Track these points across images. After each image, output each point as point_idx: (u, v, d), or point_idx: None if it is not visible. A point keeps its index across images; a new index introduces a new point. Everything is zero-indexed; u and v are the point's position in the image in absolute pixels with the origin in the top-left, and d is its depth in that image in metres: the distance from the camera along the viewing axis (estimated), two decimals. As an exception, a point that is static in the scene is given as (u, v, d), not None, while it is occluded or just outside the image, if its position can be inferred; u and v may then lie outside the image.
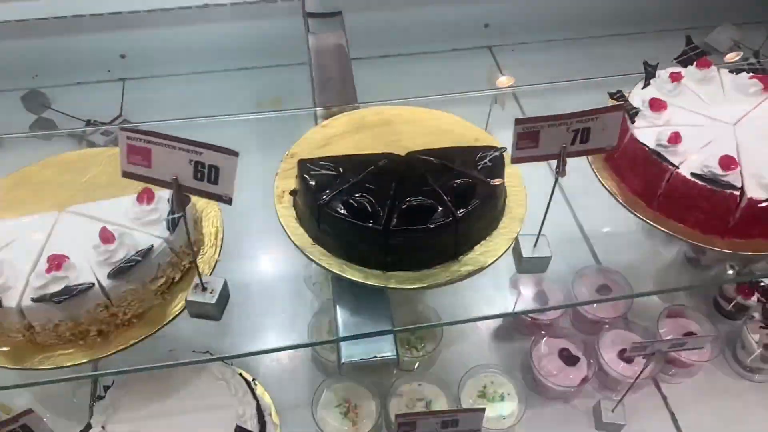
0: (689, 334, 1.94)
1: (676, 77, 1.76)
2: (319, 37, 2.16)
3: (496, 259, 1.53)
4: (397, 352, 1.47)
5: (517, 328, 2.04)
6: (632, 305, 2.02)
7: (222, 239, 1.55)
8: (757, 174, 1.54)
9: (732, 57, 2.97)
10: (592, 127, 1.20)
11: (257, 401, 1.76)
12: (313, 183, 1.51)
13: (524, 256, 1.45)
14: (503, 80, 2.74)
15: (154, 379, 1.73)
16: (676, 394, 1.96)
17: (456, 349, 2.03)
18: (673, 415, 1.91)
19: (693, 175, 1.55)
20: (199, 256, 1.50)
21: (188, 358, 1.77)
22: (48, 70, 2.71)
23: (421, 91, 2.36)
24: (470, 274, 1.50)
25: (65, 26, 2.57)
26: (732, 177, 1.53)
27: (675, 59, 1.86)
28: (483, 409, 1.38)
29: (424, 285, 1.47)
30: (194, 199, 1.59)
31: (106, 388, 1.72)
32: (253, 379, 1.86)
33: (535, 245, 1.47)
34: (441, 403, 1.77)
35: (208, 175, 1.09)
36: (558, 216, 2.27)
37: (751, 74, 1.79)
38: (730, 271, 2.05)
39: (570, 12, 2.99)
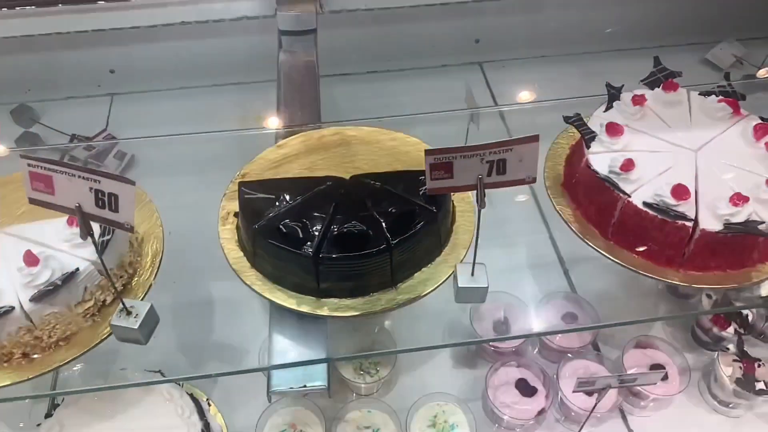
0: (657, 366, 1.86)
1: (638, 100, 1.69)
2: (288, 55, 2.15)
3: (435, 288, 1.49)
4: (328, 382, 1.44)
5: (481, 354, 1.99)
6: (599, 334, 1.96)
7: (161, 261, 1.54)
8: (712, 204, 1.46)
9: (764, 73, 2.84)
10: (508, 158, 1.15)
11: (206, 422, 1.76)
12: (250, 206, 1.49)
13: (459, 285, 1.41)
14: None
15: (103, 397, 1.73)
16: (644, 428, 1.88)
17: (417, 374, 1.98)
18: (637, 449, 1.84)
19: (645, 204, 1.48)
20: (135, 279, 1.50)
21: (140, 376, 1.78)
22: (40, 85, 2.75)
23: (408, 108, 2.34)
24: (407, 303, 1.46)
25: (57, 42, 2.61)
26: (685, 207, 1.46)
27: (642, 81, 1.79)
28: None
29: (358, 313, 1.44)
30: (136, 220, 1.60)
31: (56, 406, 1.73)
32: (207, 400, 1.85)
33: (472, 274, 1.42)
34: (389, 432, 1.74)
35: (108, 203, 1.08)
36: (535, 240, 2.24)
37: (720, 98, 1.70)
38: (707, 301, 1.96)
39: (565, 26, 2.91)
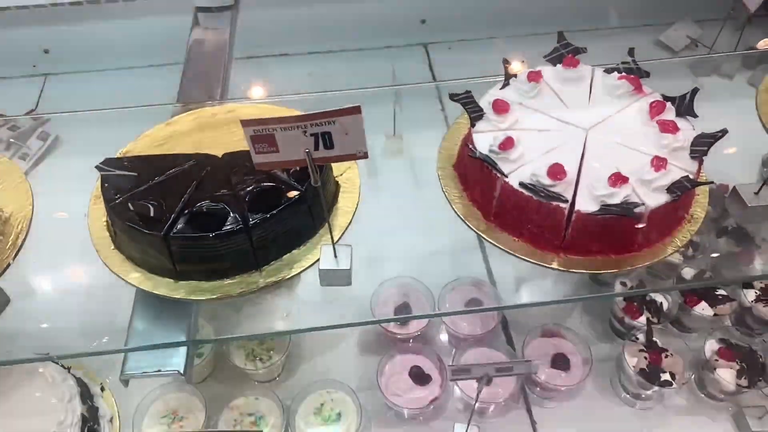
0: (560, 355, 1.79)
1: (534, 77, 1.61)
2: (200, 32, 2.09)
3: (302, 271, 1.43)
4: (185, 366, 1.39)
5: (387, 341, 1.93)
6: (510, 322, 1.89)
7: (23, 242, 1.49)
8: (591, 185, 1.38)
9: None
10: (333, 131, 1.08)
11: (90, 406, 1.72)
12: (109, 184, 1.44)
13: (320, 267, 1.35)
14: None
15: (-13, 380, 1.70)
16: (548, 419, 1.82)
17: (320, 361, 1.94)
18: (539, 441, 1.78)
19: (521, 185, 1.40)
20: (-8, 258, 1.45)
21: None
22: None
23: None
24: (269, 286, 1.40)
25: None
26: (561, 188, 1.38)
27: (545, 57, 1.71)
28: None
29: (214, 297, 1.38)
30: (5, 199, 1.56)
31: (-63, 387, 1.70)
32: (101, 384, 1.81)
33: (335, 256, 1.36)
34: (273, 420, 1.69)
35: None
36: (456, 224, 2.17)
37: (623, 75, 1.61)
38: (620, 288, 1.89)
39: (516, 6, 2.82)
